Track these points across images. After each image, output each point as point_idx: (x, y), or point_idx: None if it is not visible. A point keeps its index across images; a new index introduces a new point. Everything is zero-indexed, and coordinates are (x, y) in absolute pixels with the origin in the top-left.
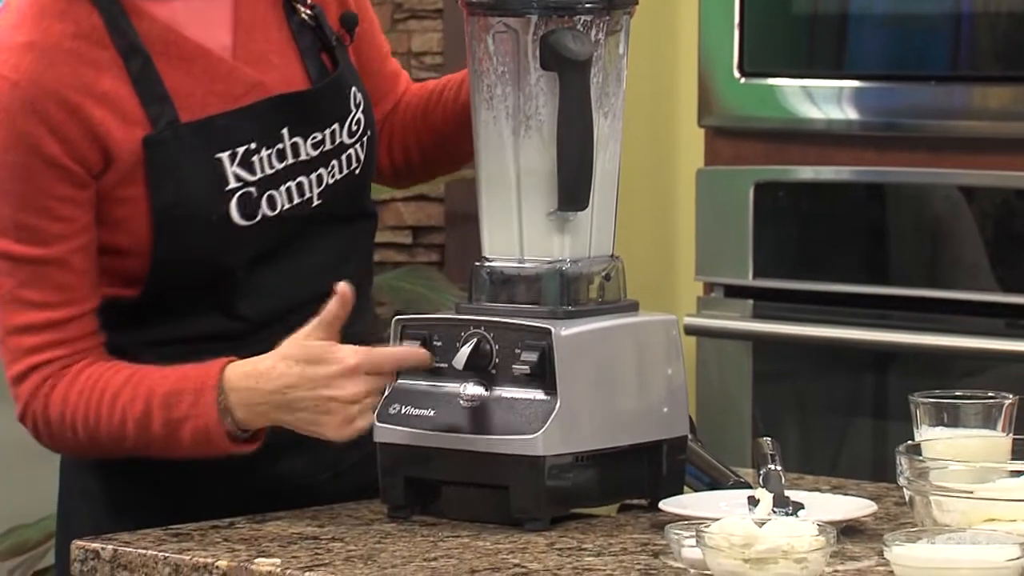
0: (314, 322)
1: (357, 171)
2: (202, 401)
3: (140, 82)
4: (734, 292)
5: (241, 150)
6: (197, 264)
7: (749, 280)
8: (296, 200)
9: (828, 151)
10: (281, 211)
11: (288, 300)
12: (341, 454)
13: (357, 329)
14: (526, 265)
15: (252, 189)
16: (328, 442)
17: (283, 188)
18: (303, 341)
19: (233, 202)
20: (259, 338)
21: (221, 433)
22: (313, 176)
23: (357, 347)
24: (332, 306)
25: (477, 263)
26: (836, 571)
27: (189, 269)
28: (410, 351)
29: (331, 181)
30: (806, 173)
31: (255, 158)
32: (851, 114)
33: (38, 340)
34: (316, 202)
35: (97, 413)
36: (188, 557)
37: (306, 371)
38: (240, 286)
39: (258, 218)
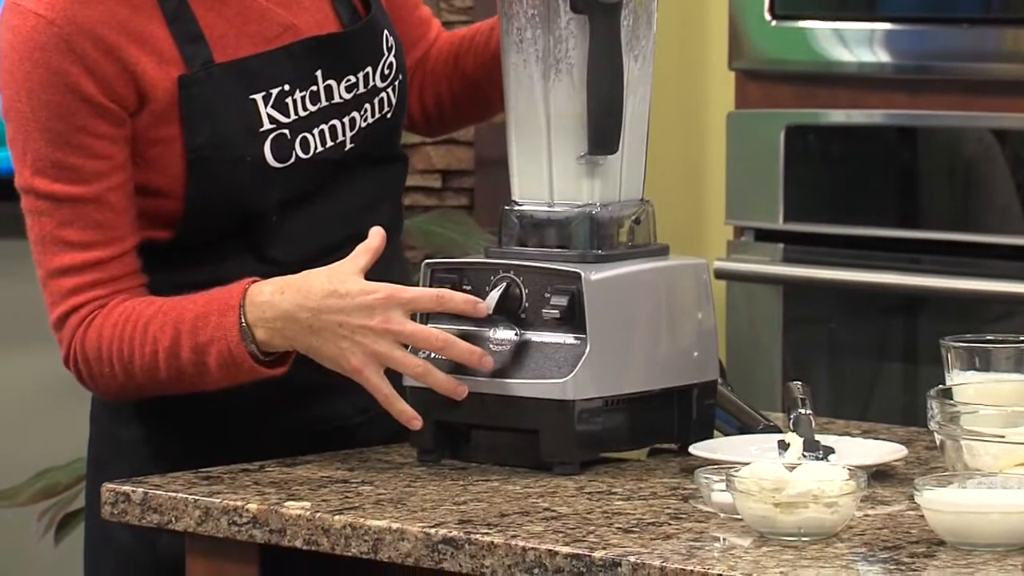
0: (348, 256)
1: (389, 115)
2: (225, 322)
3: (175, 22)
4: (764, 236)
5: (275, 92)
6: (230, 206)
7: (779, 224)
8: (329, 143)
9: (859, 94)
10: (314, 154)
11: (320, 244)
12: (372, 398)
13: (388, 273)
14: (556, 209)
15: (286, 131)
16: (359, 385)
17: (316, 131)
18: (336, 267)
19: (267, 144)
20: None
21: (244, 354)
22: (346, 119)
23: (387, 284)
24: (369, 239)
25: (507, 207)
26: (866, 515)
27: (223, 212)
28: (456, 295)
29: (364, 124)
30: (837, 116)
31: (289, 100)
32: (883, 57)
33: (79, 281)
34: (349, 145)
35: (131, 346)
36: (218, 500)
37: (333, 291)
38: (272, 230)
39: (292, 160)
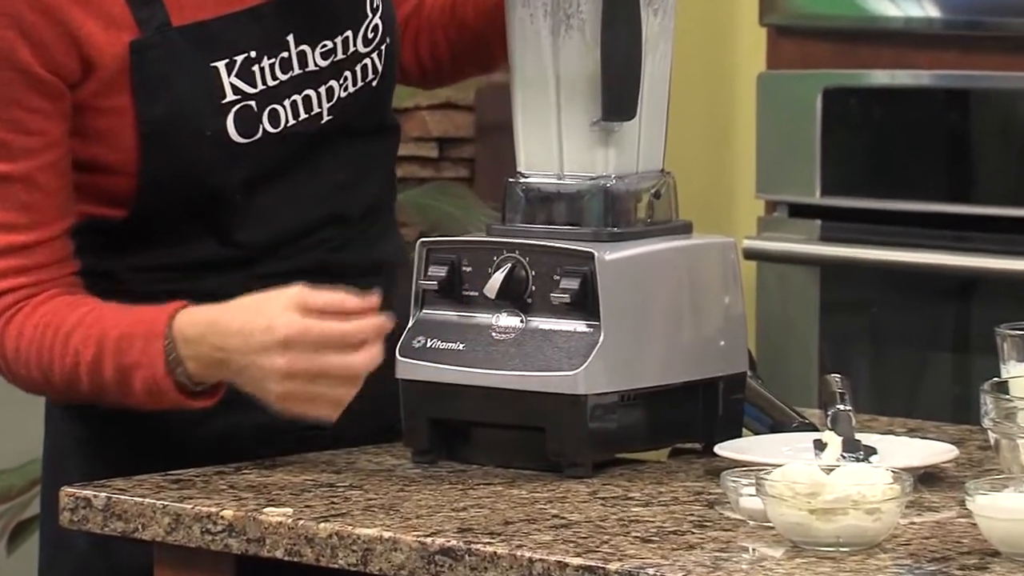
0: (312, 295)
1: (374, 83)
2: (150, 348)
3: None
4: (799, 211)
5: (240, 59)
6: (189, 185)
7: (816, 198)
8: (303, 115)
9: (905, 53)
10: (285, 128)
11: (292, 225)
12: (359, 391)
13: (381, 253)
14: (566, 181)
15: (252, 103)
16: None
17: (288, 102)
18: (269, 296)
19: (230, 117)
20: (261, 266)
21: (170, 385)
22: (323, 89)
23: (294, 320)
24: (346, 301)
25: (511, 179)
26: (912, 523)
27: (180, 190)
28: (365, 323)
29: (343, 95)
30: (881, 78)
31: (255, 68)
32: (931, 11)
33: (1, 265)
34: (326, 117)
35: (51, 354)
36: (189, 506)
37: (238, 335)
38: (237, 210)
39: (258, 135)
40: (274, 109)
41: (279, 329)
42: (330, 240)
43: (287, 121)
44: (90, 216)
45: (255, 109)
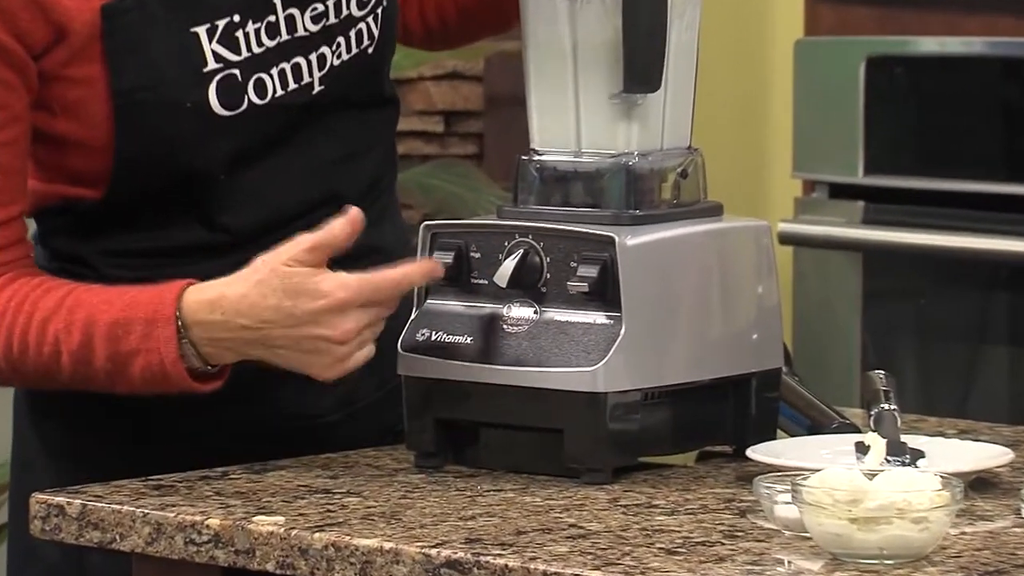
0: (303, 241)
1: (370, 50)
2: (156, 334)
3: None
4: (840, 192)
5: (222, 23)
6: (168, 163)
7: (858, 177)
8: (292, 86)
9: (956, 18)
10: (273, 99)
11: (284, 207)
12: (357, 388)
13: (380, 238)
14: (584, 159)
15: (236, 71)
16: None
17: (275, 71)
18: (282, 265)
19: (212, 87)
20: (248, 253)
21: (181, 371)
22: (313, 56)
23: (347, 276)
24: (334, 228)
25: (524, 157)
26: (963, 533)
27: (158, 169)
28: (414, 268)
29: (336, 63)
30: (929, 45)
31: (239, 33)
32: None
33: None
34: (318, 88)
35: (24, 342)
36: (172, 514)
37: (284, 304)
38: (221, 191)
39: (243, 107)
40: (260, 78)
41: (337, 291)
42: (325, 220)
43: (275, 92)
44: (63, 197)
45: (239, 79)
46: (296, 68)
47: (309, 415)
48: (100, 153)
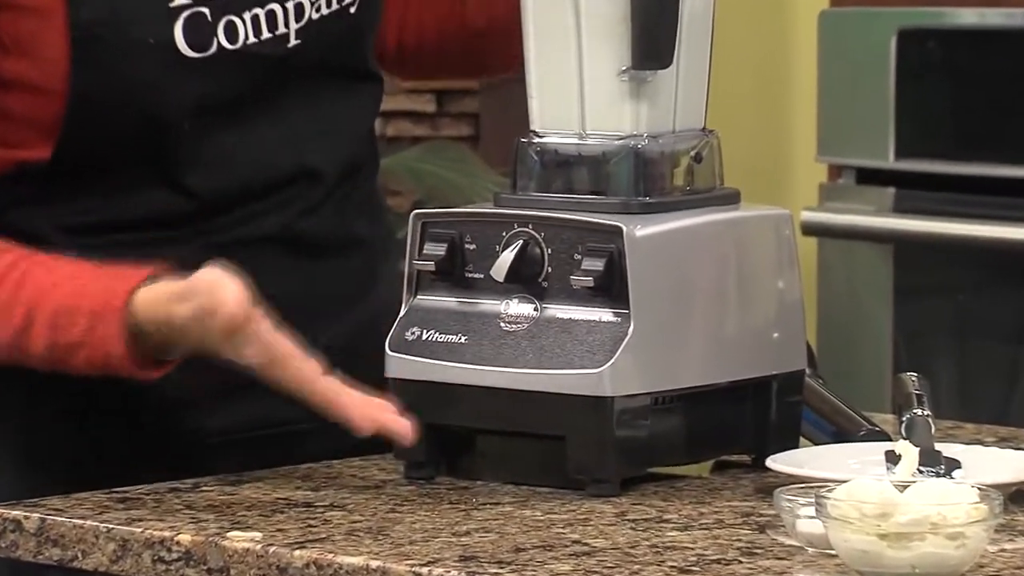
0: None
1: (352, 9)
2: (101, 329)
3: None
4: (869, 177)
5: None
6: (128, 107)
7: (889, 162)
8: (266, 34)
9: None
10: (244, 45)
11: (253, 175)
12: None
13: (362, 227)
14: (589, 142)
15: (205, 10)
16: None
17: (248, 15)
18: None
19: (179, 24)
20: (219, 232)
21: (128, 364)
22: (290, 5)
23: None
24: (324, 385)
25: (523, 139)
26: (1003, 551)
27: (117, 115)
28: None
29: (316, 16)
30: (967, 17)
31: None
32: None
33: None
34: (293, 41)
35: None
36: (139, 529)
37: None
38: (187, 146)
39: (212, 50)
40: (231, 21)
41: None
42: (300, 199)
43: (246, 38)
44: (7, 162)
45: (209, 18)
46: (271, 16)
47: (285, 420)
48: (52, 96)
